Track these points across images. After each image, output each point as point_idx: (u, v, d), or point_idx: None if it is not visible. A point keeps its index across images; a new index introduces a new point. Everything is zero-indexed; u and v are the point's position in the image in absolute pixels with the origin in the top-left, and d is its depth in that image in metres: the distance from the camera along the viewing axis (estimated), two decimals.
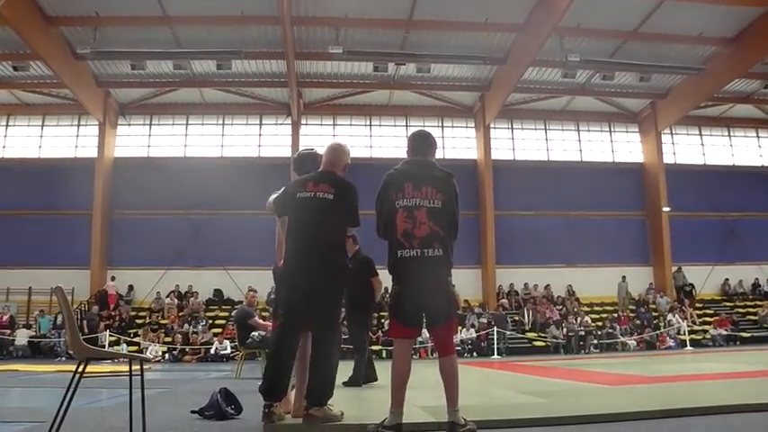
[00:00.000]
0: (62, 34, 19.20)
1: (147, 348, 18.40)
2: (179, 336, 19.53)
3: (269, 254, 8.30)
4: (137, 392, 3.97)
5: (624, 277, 23.15)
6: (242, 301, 15.48)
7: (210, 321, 20.74)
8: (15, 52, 19.68)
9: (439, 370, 3.95)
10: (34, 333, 19.81)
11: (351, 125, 24.92)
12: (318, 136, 23.85)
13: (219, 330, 20.01)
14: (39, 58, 19.11)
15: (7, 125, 24.12)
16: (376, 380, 8.11)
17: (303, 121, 24.13)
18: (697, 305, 23.13)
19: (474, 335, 19.91)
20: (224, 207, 22.39)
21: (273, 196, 5.03)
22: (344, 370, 8.95)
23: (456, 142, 25.01)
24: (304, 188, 4.49)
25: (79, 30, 19.03)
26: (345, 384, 8.05)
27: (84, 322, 19.52)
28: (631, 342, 20.41)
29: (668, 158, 25.20)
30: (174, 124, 24.56)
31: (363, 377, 8.05)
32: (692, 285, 23.72)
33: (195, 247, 22.31)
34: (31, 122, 24.16)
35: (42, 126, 24.10)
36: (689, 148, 26.07)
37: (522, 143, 25.41)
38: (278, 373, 4.32)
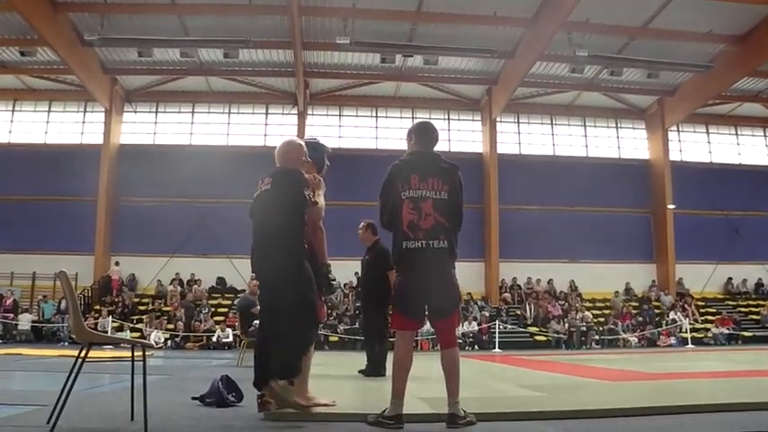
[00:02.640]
0: (70, 20, 19.17)
1: (149, 335, 18.49)
2: (181, 323, 19.61)
3: None
4: (138, 378, 3.99)
5: (622, 291, 23.18)
6: (245, 290, 15.51)
7: (213, 309, 20.81)
8: (23, 37, 19.68)
9: (440, 362, 3.96)
10: (37, 318, 19.92)
11: (357, 116, 24.87)
12: (324, 126, 23.92)
13: (222, 318, 20.10)
14: (46, 44, 19.06)
15: (13, 110, 24.14)
16: (383, 375, 7.93)
17: (309, 112, 24.11)
18: (699, 303, 23.11)
19: (476, 328, 19.95)
20: (229, 196, 22.32)
21: None
22: (355, 360, 8.97)
23: (462, 135, 24.90)
24: (257, 188, 4.59)
25: (87, 16, 19.02)
26: (362, 373, 8.01)
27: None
28: (633, 339, 20.42)
29: (674, 156, 25.11)
30: (180, 112, 24.57)
31: (377, 368, 7.94)
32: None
33: (199, 235, 22.35)
34: (37, 108, 24.16)
35: (49, 112, 24.11)
36: (695, 145, 25.96)
37: (528, 137, 25.32)
38: (263, 363, 4.34)
